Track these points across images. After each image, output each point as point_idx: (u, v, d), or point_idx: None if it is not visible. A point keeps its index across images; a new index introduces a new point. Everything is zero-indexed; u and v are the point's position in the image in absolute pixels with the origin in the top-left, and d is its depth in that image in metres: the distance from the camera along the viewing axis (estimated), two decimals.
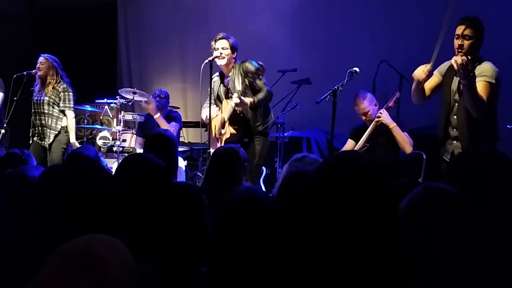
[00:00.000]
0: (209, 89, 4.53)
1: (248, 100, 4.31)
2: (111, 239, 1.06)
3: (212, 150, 4.43)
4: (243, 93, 4.34)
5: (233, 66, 4.49)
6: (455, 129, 3.55)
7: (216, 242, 1.55)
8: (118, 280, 0.98)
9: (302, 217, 1.34)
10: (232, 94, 4.40)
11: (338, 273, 1.24)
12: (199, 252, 1.83)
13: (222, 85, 4.59)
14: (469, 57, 3.28)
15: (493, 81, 3.38)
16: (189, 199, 1.89)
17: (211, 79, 4.50)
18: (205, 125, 4.65)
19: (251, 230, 1.50)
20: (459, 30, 3.40)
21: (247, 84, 4.37)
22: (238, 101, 4.25)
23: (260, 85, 4.38)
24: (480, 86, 3.35)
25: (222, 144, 4.41)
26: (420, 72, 3.56)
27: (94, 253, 1.00)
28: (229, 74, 4.50)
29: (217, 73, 4.64)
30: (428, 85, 3.69)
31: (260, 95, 4.36)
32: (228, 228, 1.54)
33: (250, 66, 4.34)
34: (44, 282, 0.96)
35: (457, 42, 3.42)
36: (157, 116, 5.57)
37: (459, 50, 3.39)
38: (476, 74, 3.37)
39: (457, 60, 3.26)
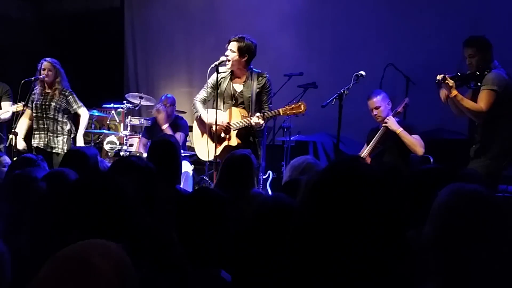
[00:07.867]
0: (214, 91, 4.50)
1: (262, 121, 4.35)
2: (106, 244, 1.10)
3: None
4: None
5: (249, 73, 4.48)
6: (477, 134, 4.00)
7: (244, 246, 1.55)
8: (106, 285, 1.03)
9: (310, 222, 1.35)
10: (244, 100, 4.45)
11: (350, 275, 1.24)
12: (219, 255, 1.86)
13: (231, 83, 4.53)
14: (446, 75, 3.82)
15: (494, 88, 3.76)
16: (213, 205, 1.94)
17: (217, 83, 4.43)
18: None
19: (282, 235, 1.51)
20: (464, 52, 3.96)
21: (259, 98, 4.46)
22: (260, 123, 4.31)
23: (265, 101, 4.47)
24: (482, 94, 3.80)
25: (221, 148, 4.44)
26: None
27: (85, 259, 1.04)
28: (244, 80, 4.48)
29: (228, 70, 4.55)
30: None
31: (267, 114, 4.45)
32: (258, 233, 1.54)
33: (267, 85, 4.45)
34: (36, 285, 1.02)
35: (466, 62, 3.96)
36: (165, 127, 5.65)
37: (470, 67, 3.92)
38: (482, 84, 3.82)
39: (438, 77, 3.82)
